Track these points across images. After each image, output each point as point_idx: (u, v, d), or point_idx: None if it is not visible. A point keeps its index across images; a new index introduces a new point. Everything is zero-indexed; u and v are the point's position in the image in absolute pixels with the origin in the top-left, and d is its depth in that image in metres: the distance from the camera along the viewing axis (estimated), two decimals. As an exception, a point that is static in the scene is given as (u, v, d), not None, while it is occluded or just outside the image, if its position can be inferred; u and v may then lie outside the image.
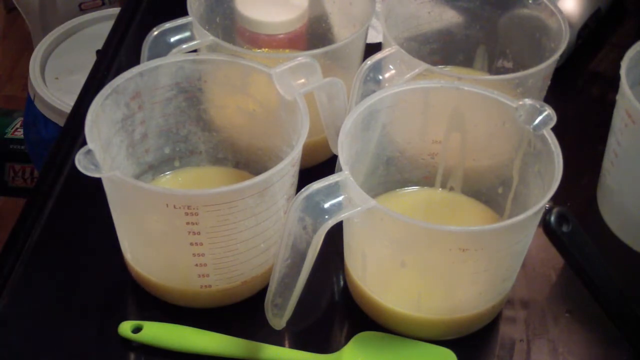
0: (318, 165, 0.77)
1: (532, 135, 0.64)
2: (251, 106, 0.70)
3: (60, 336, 0.65)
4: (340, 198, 0.58)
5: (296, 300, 0.60)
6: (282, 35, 0.82)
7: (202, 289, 0.65)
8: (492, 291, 0.64)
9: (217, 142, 0.73)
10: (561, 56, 0.73)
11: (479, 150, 0.70)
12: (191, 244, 0.61)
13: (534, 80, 0.72)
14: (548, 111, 0.63)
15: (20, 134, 1.52)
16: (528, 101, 0.64)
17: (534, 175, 0.65)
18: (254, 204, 0.61)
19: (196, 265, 0.63)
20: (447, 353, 0.64)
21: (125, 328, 0.64)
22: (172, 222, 0.60)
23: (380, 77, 0.69)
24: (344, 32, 0.82)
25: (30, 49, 1.36)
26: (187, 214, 0.59)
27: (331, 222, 0.57)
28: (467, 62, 0.84)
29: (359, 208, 0.57)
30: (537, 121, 0.63)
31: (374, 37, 0.83)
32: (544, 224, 0.54)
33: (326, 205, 0.57)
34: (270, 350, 0.63)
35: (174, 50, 0.70)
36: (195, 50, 0.71)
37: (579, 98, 0.89)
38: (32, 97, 1.26)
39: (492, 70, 0.83)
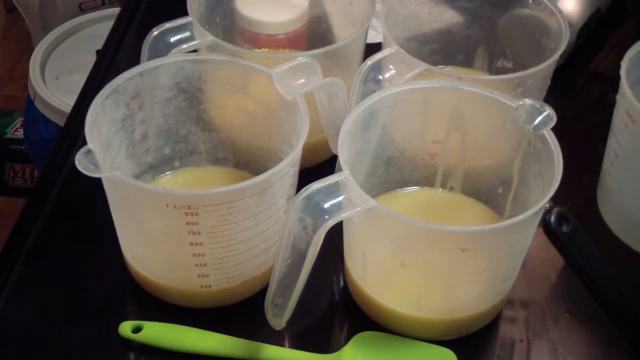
0: (318, 165, 0.77)
1: (532, 135, 0.64)
2: (251, 106, 0.70)
3: (60, 336, 0.65)
4: (340, 198, 0.58)
5: (296, 300, 0.60)
6: (282, 35, 0.82)
7: (202, 289, 0.65)
8: (492, 291, 0.64)
9: (217, 142, 0.73)
10: (561, 56, 0.73)
11: (479, 150, 0.70)
12: (191, 244, 0.61)
13: (534, 80, 0.72)
14: (548, 111, 0.63)
15: (20, 134, 1.52)
16: (528, 101, 0.64)
17: (534, 175, 0.65)
18: (254, 204, 0.61)
19: (196, 265, 0.63)
20: (447, 353, 0.64)
21: (125, 328, 0.64)
22: (172, 222, 0.60)
23: (380, 77, 0.69)
24: (344, 32, 0.82)
25: (30, 49, 1.36)
26: (187, 214, 0.59)
27: (331, 222, 0.57)
28: (467, 62, 0.84)
29: (359, 208, 0.57)
30: (537, 121, 0.63)
31: (374, 37, 0.83)
32: (544, 224, 0.54)
33: (326, 205, 0.57)
34: (270, 350, 0.63)
35: (174, 50, 0.70)
36: (195, 50, 0.71)
37: (579, 98, 0.89)
38: (32, 97, 1.26)
39: (492, 70, 0.83)
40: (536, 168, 0.64)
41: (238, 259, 0.64)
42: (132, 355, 0.65)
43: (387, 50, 0.70)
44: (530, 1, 0.78)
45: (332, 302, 0.69)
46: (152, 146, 0.70)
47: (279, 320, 0.62)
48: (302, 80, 0.66)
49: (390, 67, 0.69)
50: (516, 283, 0.67)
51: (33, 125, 1.27)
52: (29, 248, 0.70)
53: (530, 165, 0.65)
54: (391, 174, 0.71)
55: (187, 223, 0.60)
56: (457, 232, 0.59)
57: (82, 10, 1.50)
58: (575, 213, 0.54)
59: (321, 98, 0.68)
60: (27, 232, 0.71)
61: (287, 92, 0.65)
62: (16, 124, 1.55)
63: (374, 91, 0.66)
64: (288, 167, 0.61)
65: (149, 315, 0.66)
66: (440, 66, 0.82)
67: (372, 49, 0.75)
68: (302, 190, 0.57)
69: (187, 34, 0.71)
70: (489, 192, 0.71)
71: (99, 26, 1.35)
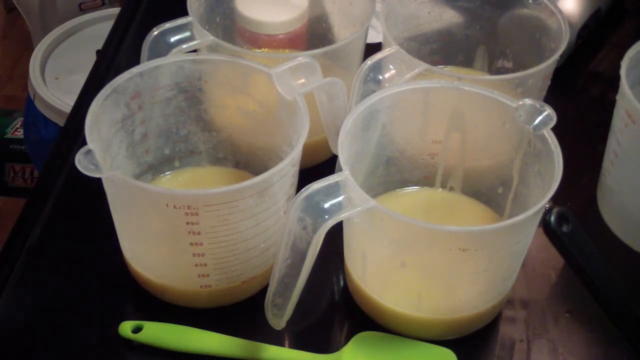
0: (318, 165, 0.77)
1: (532, 135, 0.64)
2: (251, 106, 0.70)
3: (60, 336, 0.65)
4: (340, 198, 0.58)
5: (296, 300, 0.60)
6: (282, 35, 0.82)
7: (202, 289, 0.65)
8: (492, 291, 0.64)
9: (217, 142, 0.73)
10: (561, 56, 0.73)
11: (479, 150, 0.70)
12: (191, 244, 0.61)
13: (534, 80, 0.72)
14: (548, 111, 0.63)
15: (20, 134, 1.52)
16: (528, 101, 0.64)
17: (534, 175, 0.65)
18: (254, 204, 0.61)
19: (196, 265, 0.63)
20: (447, 353, 0.64)
21: (125, 328, 0.64)
22: (172, 222, 0.60)
23: (380, 77, 0.69)
24: (344, 32, 0.82)
25: (30, 49, 1.36)
26: (187, 214, 0.59)
27: (331, 222, 0.57)
28: (467, 62, 0.84)
29: (359, 208, 0.57)
30: (537, 121, 0.63)
31: (374, 37, 0.83)
32: (544, 224, 0.53)
33: (326, 205, 0.57)
34: (270, 350, 0.63)
35: (174, 50, 0.70)
36: (195, 50, 0.71)
37: (579, 98, 0.89)
38: (32, 97, 1.26)
39: (492, 70, 0.83)
40: (536, 168, 0.64)
41: (238, 259, 0.64)
42: (132, 355, 0.65)
43: (387, 50, 0.70)
44: (530, 1, 0.78)
45: (332, 302, 0.69)
46: (152, 146, 0.70)
47: (279, 320, 0.62)
48: (302, 80, 0.66)
49: (390, 67, 0.69)
50: (516, 283, 0.67)
51: (33, 125, 1.27)
52: (29, 248, 0.70)
53: (530, 165, 0.65)
54: (391, 174, 0.71)
55: (187, 223, 0.60)
56: (457, 232, 0.59)
57: (82, 10, 1.50)
58: (575, 213, 0.54)
59: (321, 98, 0.68)
60: (27, 232, 0.71)
61: (287, 92, 0.65)
62: (16, 124, 1.55)
63: (374, 91, 0.66)
64: (288, 167, 0.61)
65: (149, 315, 0.66)
66: (440, 66, 0.82)
67: (372, 49, 0.75)
68: (302, 190, 0.57)
69: (187, 34, 0.71)
70: (489, 192, 0.71)
71: (99, 26, 1.35)
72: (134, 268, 0.67)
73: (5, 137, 1.54)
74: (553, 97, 0.75)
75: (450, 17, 0.82)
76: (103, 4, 1.52)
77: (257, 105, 0.70)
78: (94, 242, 0.71)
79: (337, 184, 0.58)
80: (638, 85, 0.71)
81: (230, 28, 0.82)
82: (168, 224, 0.61)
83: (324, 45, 0.74)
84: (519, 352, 0.66)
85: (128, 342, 0.64)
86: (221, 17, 0.81)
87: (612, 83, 0.71)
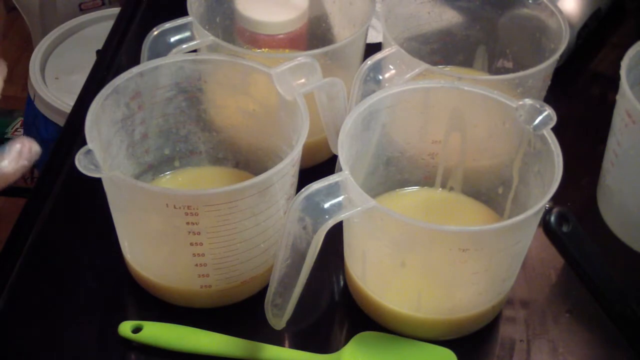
0: (318, 165, 0.77)
1: (532, 135, 0.64)
2: (251, 106, 0.70)
3: (60, 336, 0.65)
4: (340, 198, 0.58)
5: (296, 300, 0.60)
6: (282, 35, 0.82)
7: (202, 289, 0.65)
8: (492, 291, 0.64)
9: (217, 142, 0.73)
10: (561, 56, 0.73)
11: (479, 150, 0.70)
12: (191, 244, 0.61)
13: (534, 80, 0.72)
14: (548, 111, 0.63)
15: (20, 134, 1.52)
16: (528, 101, 0.64)
17: (534, 175, 0.65)
18: (254, 204, 0.61)
19: (196, 265, 0.63)
20: (447, 353, 0.64)
21: (125, 328, 0.64)
22: (172, 222, 0.60)
23: (380, 77, 0.69)
24: (344, 32, 0.82)
25: (30, 49, 1.36)
26: (187, 214, 0.59)
27: (331, 222, 0.57)
28: (467, 62, 0.84)
29: (359, 208, 0.57)
30: (537, 121, 0.63)
31: (374, 37, 0.83)
32: (544, 224, 0.53)
33: (326, 205, 0.57)
34: (270, 350, 0.63)
35: (174, 50, 0.70)
36: (195, 50, 0.71)
37: (579, 98, 0.89)
38: (32, 97, 1.26)
39: (492, 70, 0.83)
40: (536, 168, 0.64)
41: (238, 259, 0.64)
42: (132, 355, 0.65)
43: (387, 50, 0.70)
44: (530, 1, 0.78)
45: (332, 302, 0.69)
46: (152, 146, 0.70)
47: (279, 320, 0.62)
48: (302, 80, 0.66)
49: (390, 67, 0.69)
50: (516, 283, 0.67)
51: (33, 125, 1.27)
52: (29, 248, 0.70)
53: (530, 165, 0.65)
54: (391, 174, 0.71)
55: (187, 223, 0.60)
56: (457, 232, 0.59)
57: (82, 10, 1.50)
58: (575, 213, 0.54)
59: (321, 98, 0.68)
60: (27, 232, 0.71)
61: (287, 92, 0.65)
62: (16, 124, 1.55)
63: (374, 91, 0.66)
64: (288, 167, 0.61)
65: (149, 315, 0.66)
66: (440, 66, 0.82)
67: (372, 49, 0.75)
68: (302, 190, 0.57)
69: (187, 34, 0.71)
70: (489, 192, 0.71)
71: (99, 26, 1.35)
72: (134, 268, 0.67)
73: (5, 137, 1.54)
74: (553, 97, 0.75)
75: (450, 17, 0.82)
76: (103, 4, 1.52)
77: (257, 105, 0.70)
78: (94, 242, 0.71)
79: (337, 184, 0.58)
80: (638, 85, 0.71)
81: (230, 28, 0.82)
82: (168, 224, 0.61)
83: (324, 45, 0.74)
84: (519, 352, 0.66)
85: (128, 342, 0.64)
86: (221, 17, 0.81)
87: (612, 83, 0.71)
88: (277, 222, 0.64)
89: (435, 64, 0.77)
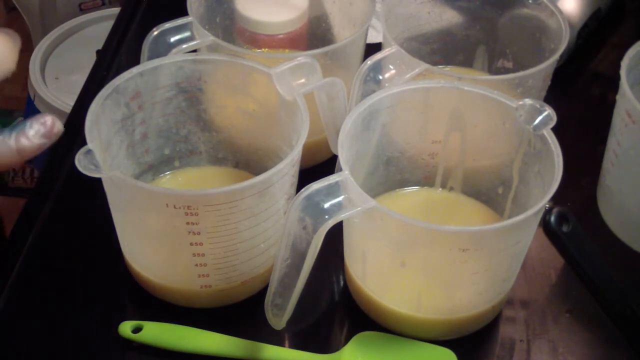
0: (318, 165, 0.77)
1: (532, 135, 0.64)
2: (251, 106, 0.70)
3: (61, 336, 0.65)
4: (340, 198, 0.58)
5: (296, 300, 0.60)
6: (282, 35, 0.82)
7: (202, 289, 0.65)
8: (492, 291, 0.64)
9: (217, 142, 0.73)
10: (561, 56, 0.73)
11: (479, 150, 0.70)
12: (191, 244, 0.61)
13: (534, 80, 0.72)
14: (548, 111, 0.63)
15: (20, 134, 1.51)
16: (528, 101, 0.64)
17: (534, 175, 0.65)
18: (254, 204, 0.61)
19: (196, 265, 0.63)
20: (447, 353, 0.64)
21: (125, 328, 0.64)
22: (172, 222, 0.60)
23: (380, 77, 0.69)
24: (344, 32, 0.82)
25: (30, 49, 1.36)
26: (187, 214, 0.59)
27: (331, 222, 0.57)
28: (467, 62, 0.84)
29: (359, 208, 0.57)
30: (537, 121, 0.63)
31: (374, 37, 0.83)
32: (544, 224, 0.53)
33: (326, 205, 0.57)
34: (270, 350, 0.63)
35: (174, 50, 0.70)
36: (195, 50, 0.71)
37: (579, 98, 0.89)
38: (32, 97, 1.26)
39: (492, 70, 0.83)
40: (536, 168, 0.64)
41: (238, 259, 0.63)
42: (132, 355, 0.65)
43: (387, 50, 0.70)
44: (530, 1, 0.78)
45: (332, 302, 0.69)
46: (152, 146, 0.70)
47: (279, 320, 0.62)
48: (302, 80, 0.66)
49: (390, 67, 0.69)
50: (516, 283, 0.67)
51: (33, 125, 1.27)
52: (29, 248, 0.70)
53: (530, 165, 0.65)
54: (391, 174, 0.71)
55: (187, 223, 0.60)
56: (457, 232, 0.59)
57: (82, 10, 1.50)
58: (575, 213, 0.54)
59: (321, 98, 0.68)
60: (27, 232, 0.71)
61: (287, 92, 0.65)
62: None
63: (374, 91, 0.66)
64: (288, 167, 0.61)
65: (149, 315, 0.66)
66: (440, 66, 0.82)
67: (372, 49, 0.75)
68: (302, 190, 0.57)
69: (187, 34, 0.71)
70: (489, 192, 0.71)
71: (99, 26, 1.35)
72: (134, 268, 0.67)
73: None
74: (553, 97, 0.75)
75: (450, 17, 0.82)
76: (103, 4, 1.52)
77: (257, 105, 0.70)
78: (94, 242, 0.71)
79: (337, 184, 0.58)
80: (638, 85, 0.71)
81: (230, 28, 0.82)
82: (168, 224, 0.61)
83: (324, 45, 0.74)
84: (519, 352, 0.66)
85: (128, 342, 0.64)
86: (221, 17, 0.81)
87: (612, 83, 0.71)
88: (277, 222, 0.64)
89: (435, 64, 0.77)
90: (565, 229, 0.53)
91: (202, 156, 0.74)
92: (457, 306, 0.64)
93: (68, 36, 1.34)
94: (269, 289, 0.60)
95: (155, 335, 0.64)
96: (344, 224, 0.64)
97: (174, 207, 0.59)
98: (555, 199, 0.58)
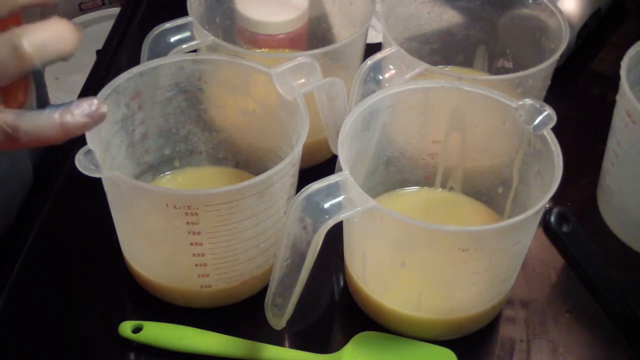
0: (318, 165, 0.77)
1: (532, 135, 0.64)
2: (251, 106, 0.70)
3: (61, 336, 0.65)
4: (340, 198, 0.58)
5: (296, 300, 0.60)
6: (282, 35, 0.82)
7: (202, 289, 0.65)
8: (492, 291, 0.64)
9: (217, 142, 0.73)
10: (561, 56, 0.73)
11: (479, 150, 0.70)
12: (191, 244, 0.61)
13: (534, 80, 0.72)
14: (548, 111, 0.63)
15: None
16: (528, 101, 0.64)
17: (534, 175, 0.65)
18: (254, 204, 0.61)
19: (196, 265, 0.63)
20: (447, 353, 0.64)
21: (125, 328, 0.64)
22: (172, 222, 0.60)
23: (380, 77, 0.69)
24: (344, 32, 0.82)
25: (30, 49, 1.36)
26: (187, 214, 0.59)
27: (331, 222, 0.57)
28: (467, 62, 0.84)
29: (359, 208, 0.57)
30: (537, 121, 0.63)
31: (374, 37, 0.83)
32: (544, 224, 0.53)
33: (326, 205, 0.57)
34: (270, 350, 0.63)
35: (174, 50, 0.70)
36: (195, 50, 0.71)
37: (579, 98, 0.89)
38: (32, 97, 1.26)
39: (492, 70, 0.83)
40: (536, 168, 0.64)
41: (238, 259, 0.63)
42: (132, 355, 0.65)
43: (387, 50, 0.70)
44: (530, 1, 0.78)
45: (332, 302, 0.69)
46: (152, 146, 0.70)
47: (279, 320, 0.62)
48: (302, 80, 0.66)
49: (390, 67, 0.69)
50: (516, 283, 0.67)
51: (33, 125, 1.27)
52: (29, 248, 0.70)
53: (530, 165, 0.65)
54: (391, 174, 0.71)
55: (187, 223, 0.60)
56: (457, 232, 0.59)
57: (82, 10, 1.50)
58: (575, 213, 0.54)
59: (321, 98, 0.68)
60: (27, 232, 0.71)
61: (287, 92, 0.65)
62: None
63: (374, 91, 0.66)
64: (288, 167, 0.61)
65: (149, 315, 0.66)
66: (440, 66, 0.82)
67: (372, 49, 0.75)
68: (302, 190, 0.57)
69: (187, 34, 0.71)
70: (489, 192, 0.71)
71: (99, 26, 1.35)
72: (134, 268, 0.67)
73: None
74: (553, 97, 0.75)
75: (450, 17, 0.82)
76: (103, 4, 1.52)
77: (257, 105, 0.70)
78: (94, 242, 0.71)
79: (337, 184, 0.58)
80: (638, 85, 0.71)
81: (230, 28, 0.82)
82: (168, 224, 0.61)
83: (324, 45, 0.74)
84: (519, 352, 0.66)
85: (128, 342, 0.64)
86: (221, 17, 0.81)
87: (612, 83, 0.71)
88: (277, 222, 0.64)
89: (435, 64, 0.77)
90: (565, 229, 0.53)
91: (202, 156, 0.74)
92: (457, 306, 0.64)
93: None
94: (269, 289, 0.60)
95: (155, 335, 0.64)
96: (344, 224, 0.64)
97: (174, 207, 0.59)
98: (555, 199, 0.58)
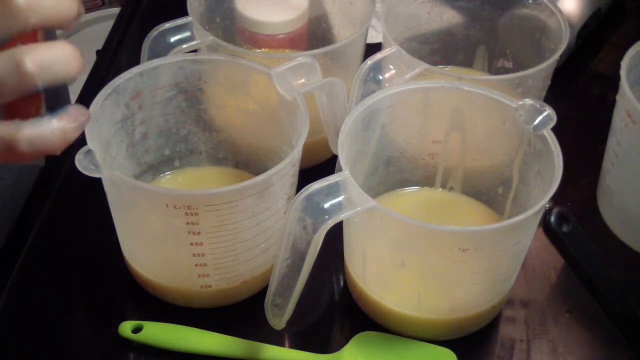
0: (318, 165, 0.77)
1: (532, 135, 0.64)
2: (251, 106, 0.70)
3: (60, 336, 0.65)
4: (340, 198, 0.58)
5: (296, 300, 0.60)
6: (282, 35, 0.82)
7: (202, 289, 0.65)
8: (492, 291, 0.64)
9: (217, 142, 0.73)
10: (561, 56, 0.73)
11: (479, 150, 0.70)
12: (191, 244, 0.61)
13: (534, 80, 0.72)
14: (548, 111, 0.63)
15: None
16: (528, 101, 0.64)
17: (534, 175, 0.65)
18: (254, 204, 0.61)
19: (196, 265, 0.63)
20: (447, 353, 0.64)
21: (125, 328, 0.64)
22: (172, 222, 0.60)
23: (380, 77, 0.69)
24: (344, 32, 0.82)
25: (30, 49, 1.36)
26: (187, 214, 0.59)
27: (331, 222, 0.57)
28: (467, 62, 0.84)
29: (359, 208, 0.57)
30: (537, 121, 0.63)
31: (374, 37, 0.83)
32: (544, 224, 0.53)
33: (326, 205, 0.57)
34: (270, 350, 0.63)
35: (174, 50, 0.70)
36: (195, 50, 0.71)
37: (579, 98, 0.89)
38: (32, 97, 1.25)
39: (492, 70, 0.83)
40: (536, 168, 0.64)
41: (238, 259, 0.64)
42: (132, 355, 0.65)
43: (387, 50, 0.70)
44: (530, 1, 0.78)
45: (332, 302, 0.69)
46: (152, 146, 0.70)
47: (279, 320, 0.62)
48: (302, 80, 0.66)
49: (390, 67, 0.69)
50: (516, 283, 0.67)
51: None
52: (29, 248, 0.70)
53: (530, 165, 0.65)
54: (391, 174, 0.71)
55: (187, 223, 0.60)
56: (457, 232, 0.59)
57: (82, 10, 1.50)
58: (575, 213, 0.54)
59: (321, 98, 0.68)
60: (27, 232, 0.71)
61: (287, 92, 0.65)
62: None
63: (374, 91, 0.66)
64: (288, 167, 0.61)
65: (149, 315, 0.66)
66: (440, 66, 0.82)
67: (372, 49, 0.75)
68: (302, 190, 0.57)
69: (187, 34, 0.71)
70: (489, 192, 0.71)
71: (99, 26, 1.35)
72: (134, 268, 0.67)
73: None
74: (553, 97, 0.75)
75: (450, 17, 0.82)
76: (103, 4, 1.52)
77: (257, 105, 0.70)
78: (94, 242, 0.71)
79: (337, 184, 0.58)
80: (638, 85, 0.71)
81: (230, 28, 0.82)
82: (168, 224, 0.61)
83: (324, 45, 0.74)
84: (519, 352, 0.66)
85: (128, 342, 0.64)
86: (221, 17, 0.81)
87: (612, 83, 0.71)
88: (277, 222, 0.64)
89: (435, 64, 0.77)
90: (565, 229, 0.53)
91: (202, 156, 0.74)
92: (457, 306, 0.64)
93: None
94: (269, 289, 0.60)
95: (155, 335, 0.64)
96: (344, 224, 0.64)
97: (174, 207, 0.59)
98: (555, 199, 0.58)
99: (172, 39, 0.70)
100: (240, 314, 0.67)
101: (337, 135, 0.62)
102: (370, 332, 0.65)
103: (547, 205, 0.58)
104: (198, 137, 0.72)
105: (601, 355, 0.66)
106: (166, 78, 0.68)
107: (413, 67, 0.69)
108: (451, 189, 0.73)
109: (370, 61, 0.69)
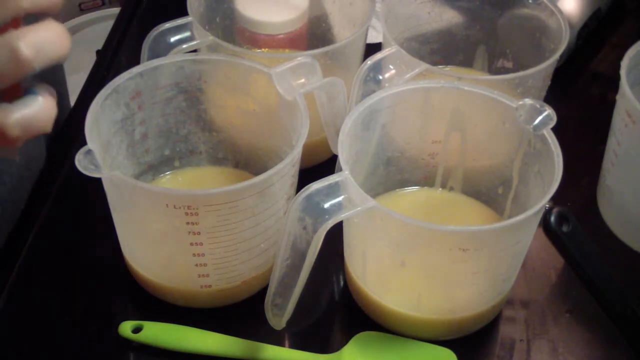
0: (318, 165, 0.77)
1: (532, 135, 0.64)
2: (251, 106, 0.70)
3: (60, 336, 0.65)
4: (340, 198, 0.58)
5: (296, 300, 0.60)
6: (282, 35, 0.82)
7: (202, 289, 0.65)
8: (492, 291, 0.64)
9: (217, 142, 0.73)
10: (561, 56, 0.73)
11: (479, 150, 0.70)
12: (191, 244, 0.61)
13: (534, 80, 0.72)
14: (548, 111, 0.63)
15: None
16: (528, 101, 0.64)
17: (534, 175, 0.65)
18: (254, 204, 0.61)
19: (196, 265, 0.63)
20: (447, 353, 0.64)
21: (125, 328, 0.64)
22: (172, 222, 0.60)
23: (380, 77, 0.69)
24: (344, 32, 0.82)
25: (30, 49, 1.36)
26: (187, 214, 0.59)
27: (331, 222, 0.57)
28: (467, 62, 0.84)
29: (359, 208, 0.57)
30: (537, 121, 0.63)
31: (374, 37, 0.83)
32: (544, 224, 0.53)
33: (326, 205, 0.57)
34: (270, 350, 0.63)
35: (174, 50, 0.70)
36: (195, 50, 0.71)
37: (579, 98, 0.89)
38: (32, 97, 1.25)
39: (492, 70, 0.83)
40: (536, 168, 0.64)
41: (238, 259, 0.64)
42: (132, 355, 0.65)
43: (387, 50, 0.70)
44: (530, 1, 0.78)
45: (332, 302, 0.69)
46: (152, 146, 0.70)
47: (279, 320, 0.62)
48: (302, 80, 0.66)
49: (390, 67, 0.69)
50: (516, 283, 0.67)
51: (33, 125, 1.27)
52: (29, 248, 0.70)
53: (530, 165, 0.65)
54: (391, 174, 0.71)
55: (187, 223, 0.60)
56: (457, 232, 0.59)
57: (82, 10, 1.50)
58: (575, 213, 0.54)
59: (321, 98, 0.68)
60: (27, 232, 0.71)
61: (287, 92, 0.65)
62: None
63: (374, 91, 0.66)
64: (288, 167, 0.61)
65: (149, 315, 0.66)
66: (440, 66, 0.82)
67: (372, 49, 0.75)
68: (302, 190, 0.57)
69: (187, 34, 0.71)
70: (489, 192, 0.71)
71: (99, 26, 1.35)
72: (134, 268, 0.67)
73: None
74: (553, 97, 0.75)
75: (450, 17, 0.82)
76: (103, 4, 1.52)
77: (257, 105, 0.70)
78: (94, 242, 0.71)
79: (337, 184, 0.58)
80: (638, 85, 0.71)
81: (230, 28, 0.82)
82: (168, 224, 0.61)
83: (324, 45, 0.74)
84: (519, 352, 0.66)
85: (128, 342, 0.64)
86: (221, 17, 0.81)
87: (612, 83, 0.71)
88: (277, 222, 0.64)
89: (435, 64, 0.77)
90: (565, 229, 0.53)
91: (202, 156, 0.74)
92: (457, 306, 0.64)
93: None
94: (269, 289, 0.60)
95: (155, 335, 0.64)
96: (344, 224, 0.64)
97: (174, 207, 0.59)
98: (555, 199, 0.58)
99: (172, 39, 0.70)
100: (240, 314, 0.67)
101: (337, 135, 0.62)
102: (370, 332, 0.65)
103: (547, 205, 0.58)
104: (198, 137, 0.72)
105: (601, 355, 0.66)
106: (166, 78, 0.68)
107: (413, 67, 0.69)
108: (451, 189, 0.73)
109: (370, 61, 0.69)
